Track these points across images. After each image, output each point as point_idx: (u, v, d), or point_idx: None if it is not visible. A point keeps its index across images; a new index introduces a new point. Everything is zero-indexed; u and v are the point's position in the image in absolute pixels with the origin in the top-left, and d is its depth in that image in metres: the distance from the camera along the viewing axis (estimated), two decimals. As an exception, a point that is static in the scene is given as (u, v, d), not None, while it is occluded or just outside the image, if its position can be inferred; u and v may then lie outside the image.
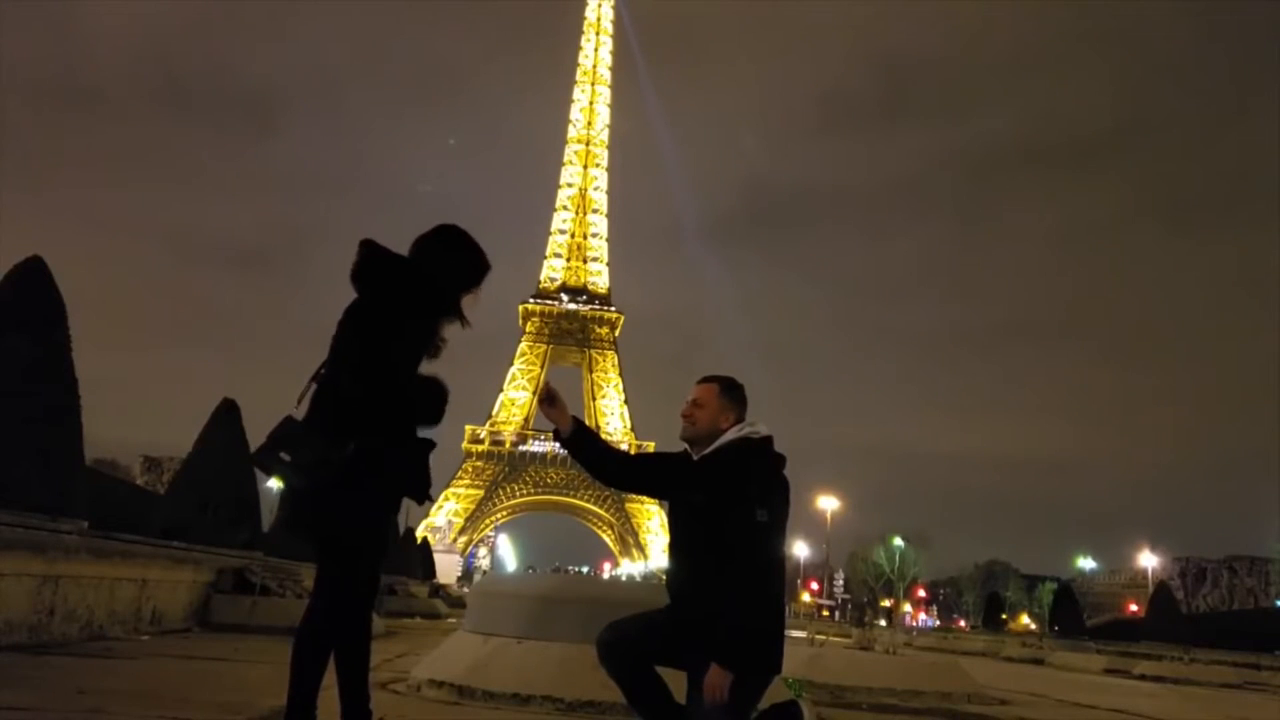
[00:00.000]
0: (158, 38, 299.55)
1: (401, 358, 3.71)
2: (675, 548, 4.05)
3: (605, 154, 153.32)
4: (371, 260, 3.78)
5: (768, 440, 3.99)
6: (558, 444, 4.10)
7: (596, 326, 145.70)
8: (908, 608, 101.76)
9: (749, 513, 3.76)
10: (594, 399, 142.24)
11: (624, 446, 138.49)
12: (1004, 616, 79.00)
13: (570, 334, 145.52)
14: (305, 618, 3.65)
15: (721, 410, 4.01)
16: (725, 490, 3.82)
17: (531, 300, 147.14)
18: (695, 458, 4.01)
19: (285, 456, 3.56)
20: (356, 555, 3.71)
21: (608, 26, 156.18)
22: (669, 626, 3.87)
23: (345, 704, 3.68)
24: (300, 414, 3.67)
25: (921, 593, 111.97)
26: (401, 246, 3.95)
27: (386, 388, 3.63)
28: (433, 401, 3.80)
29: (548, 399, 4.05)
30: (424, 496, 3.83)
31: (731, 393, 4.07)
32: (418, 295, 3.75)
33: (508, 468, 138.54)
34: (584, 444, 4.08)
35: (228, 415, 16.18)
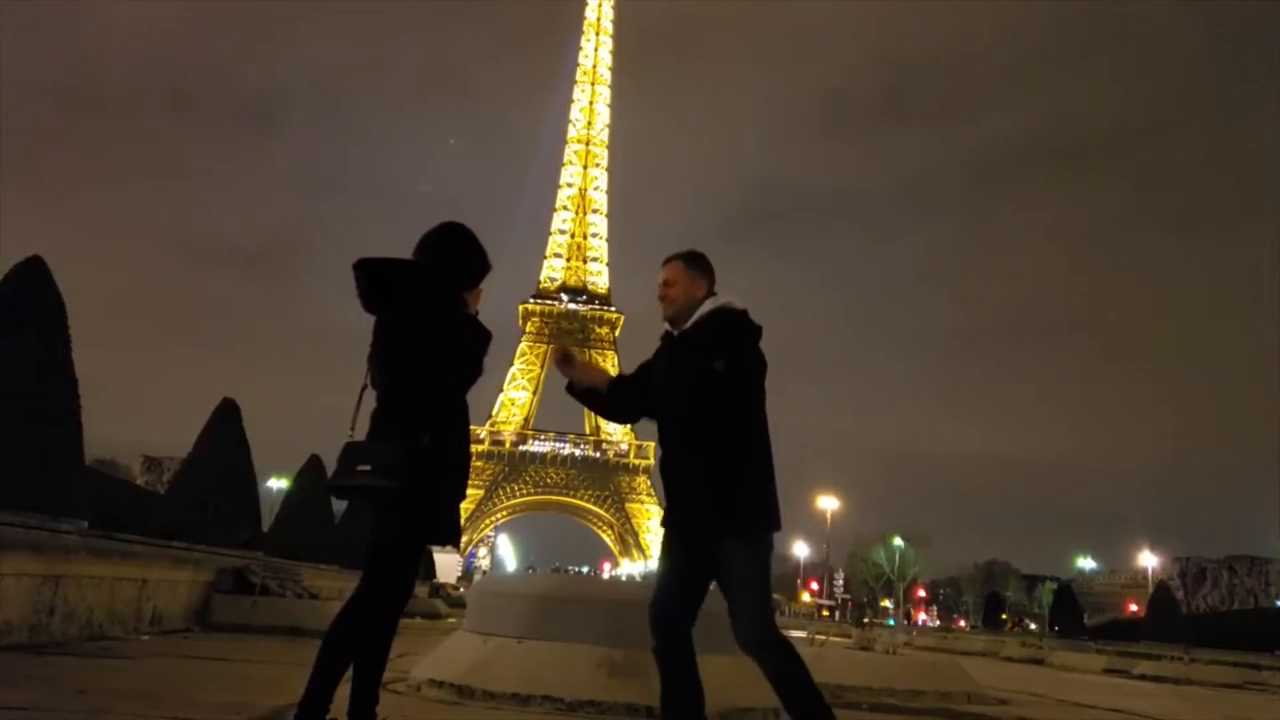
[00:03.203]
0: (162, 40, 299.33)
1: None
2: (663, 443, 4.09)
3: (605, 154, 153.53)
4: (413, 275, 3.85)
5: (745, 312, 4.10)
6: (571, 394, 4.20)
7: (596, 326, 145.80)
8: (908, 607, 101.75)
9: (706, 361, 3.88)
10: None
11: (623, 446, 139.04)
12: (1004, 616, 79.06)
13: (570, 334, 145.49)
14: (347, 613, 3.67)
15: (692, 281, 4.12)
16: (705, 354, 3.91)
17: (531, 300, 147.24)
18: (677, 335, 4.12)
19: (364, 468, 3.58)
20: (418, 553, 3.79)
21: (608, 26, 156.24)
22: (681, 556, 3.93)
23: (354, 702, 3.70)
24: (357, 438, 3.72)
25: (921, 593, 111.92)
26: (402, 246, 3.98)
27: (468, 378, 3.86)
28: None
29: (564, 360, 4.14)
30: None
31: (697, 263, 4.18)
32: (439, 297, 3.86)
33: (508, 468, 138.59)
34: (594, 395, 4.18)
35: (228, 415, 16.23)
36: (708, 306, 4.07)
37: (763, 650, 3.76)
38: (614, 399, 4.21)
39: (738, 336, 4.01)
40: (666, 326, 4.19)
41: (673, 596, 3.91)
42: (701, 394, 3.87)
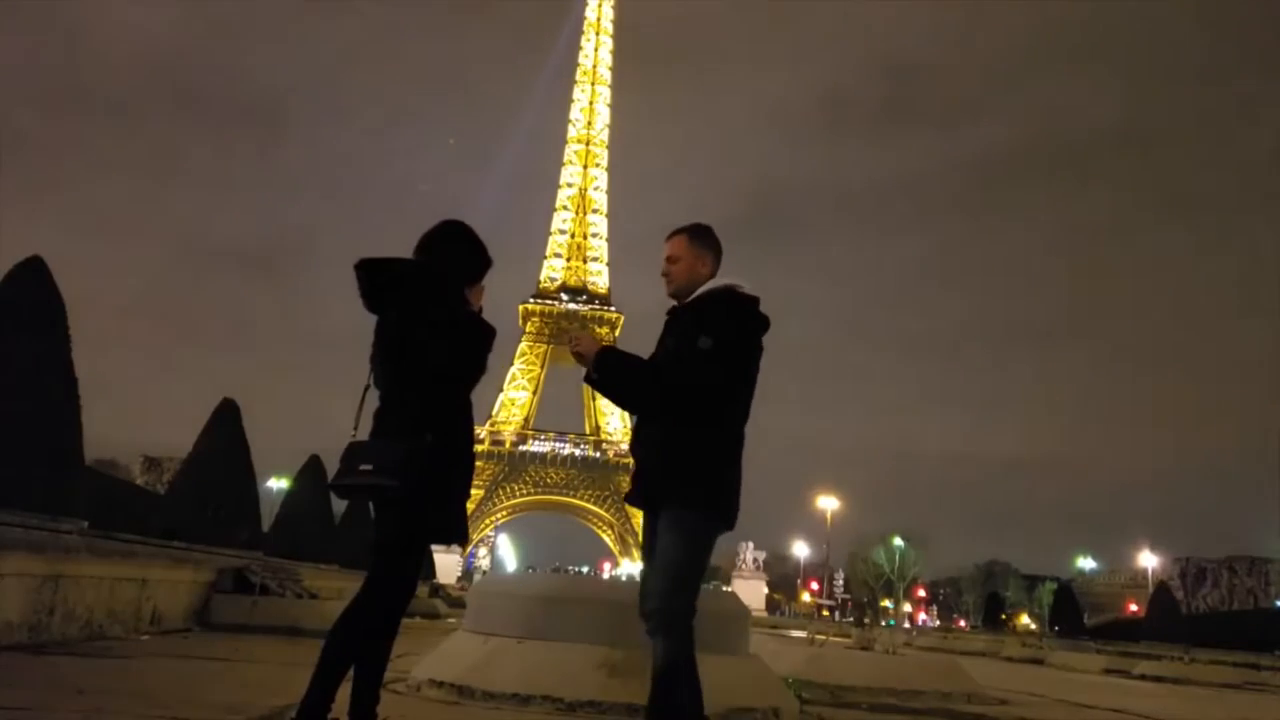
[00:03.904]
0: (164, 42, 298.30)
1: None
2: (640, 419, 3.94)
3: (605, 154, 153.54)
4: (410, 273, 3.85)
5: (753, 299, 3.88)
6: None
7: (596, 326, 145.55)
8: (907, 607, 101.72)
9: (692, 339, 3.69)
10: (593, 399, 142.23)
11: (624, 446, 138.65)
12: (1004, 616, 78.97)
13: (570, 334, 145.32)
14: (354, 612, 3.68)
15: (696, 258, 3.92)
16: (696, 331, 3.72)
17: (531, 300, 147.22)
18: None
19: (366, 467, 3.59)
20: (420, 552, 3.79)
21: (608, 26, 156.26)
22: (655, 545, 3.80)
23: (355, 701, 3.70)
24: (360, 437, 3.73)
25: (921, 593, 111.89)
26: (402, 246, 3.99)
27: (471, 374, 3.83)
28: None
29: (579, 355, 3.93)
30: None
31: (701, 237, 3.97)
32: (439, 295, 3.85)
33: (508, 468, 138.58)
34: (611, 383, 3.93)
35: (228, 415, 16.20)
36: (713, 284, 3.86)
37: (662, 622, 3.56)
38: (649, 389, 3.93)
39: (734, 319, 3.79)
40: (674, 304, 3.99)
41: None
42: (683, 370, 3.70)
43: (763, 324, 3.90)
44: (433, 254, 3.91)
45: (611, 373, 3.88)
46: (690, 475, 3.64)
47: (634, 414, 4.00)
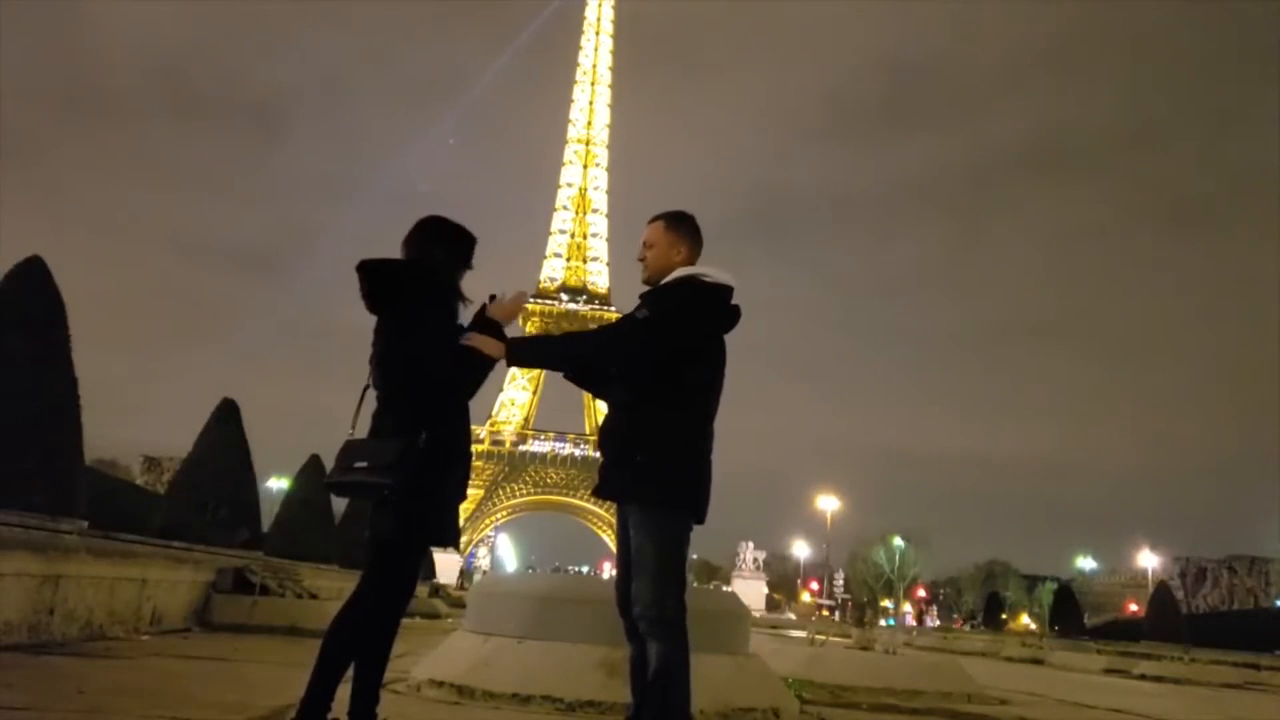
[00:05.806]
0: (168, 44, 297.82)
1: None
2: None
3: (605, 154, 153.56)
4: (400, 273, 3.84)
5: (718, 288, 3.80)
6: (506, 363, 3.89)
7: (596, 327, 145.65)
8: (908, 607, 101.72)
9: (634, 313, 3.71)
10: (594, 399, 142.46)
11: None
12: (1004, 616, 79.03)
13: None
14: (349, 611, 3.68)
15: (671, 245, 3.86)
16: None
17: (531, 300, 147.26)
18: None
19: (361, 465, 3.60)
20: (419, 551, 3.78)
21: (608, 26, 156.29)
22: (621, 532, 3.84)
23: (355, 702, 3.70)
24: (357, 436, 3.75)
25: (921, 593, 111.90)
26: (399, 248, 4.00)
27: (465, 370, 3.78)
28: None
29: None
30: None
31: (678, 224, 3.91)
32: (435, 291, 3.84)
33: (508, 468, 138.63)
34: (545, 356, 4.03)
35: (228, 415, 16.21)
36: (677, 273, 3.82)
37: (656, 629, 3.59)
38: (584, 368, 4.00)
39: (681, 302, 3.73)
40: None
41: (625, 579, 3.82)
42: (621, 343, 3.71)
43: (723, 313, 3.84)
44: (420, 250, 3.91)
45: (531, 360, 3.97)
46: (652, 470, 3.61)
47: (587, 389, 4.00)
